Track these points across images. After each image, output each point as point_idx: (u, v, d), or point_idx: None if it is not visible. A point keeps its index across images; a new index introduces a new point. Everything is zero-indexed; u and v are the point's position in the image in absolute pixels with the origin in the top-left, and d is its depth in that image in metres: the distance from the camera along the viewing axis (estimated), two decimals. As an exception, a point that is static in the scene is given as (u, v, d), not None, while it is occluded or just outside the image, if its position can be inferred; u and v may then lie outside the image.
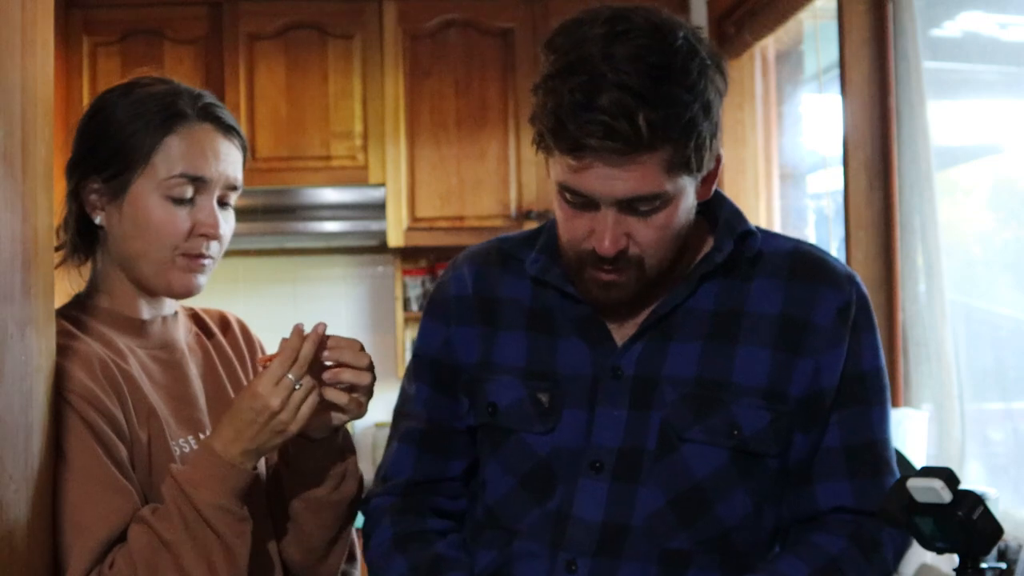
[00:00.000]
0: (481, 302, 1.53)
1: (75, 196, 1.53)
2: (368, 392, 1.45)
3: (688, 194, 1.37)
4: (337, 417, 1.47)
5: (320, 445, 1.49)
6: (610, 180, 1.31)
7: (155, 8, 4.03)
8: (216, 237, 1.51)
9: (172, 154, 1.48)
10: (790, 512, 1.47)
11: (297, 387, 1.39)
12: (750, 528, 1.43)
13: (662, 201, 1.34)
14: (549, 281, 1.48)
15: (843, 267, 1.49)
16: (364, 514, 1.58)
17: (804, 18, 3.40)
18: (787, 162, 3.76)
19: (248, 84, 4.02)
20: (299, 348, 1.40)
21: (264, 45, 4.05)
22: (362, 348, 1.45)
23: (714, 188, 1.44)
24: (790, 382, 1.42)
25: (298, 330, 1.41)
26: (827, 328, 1.43)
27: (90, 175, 1.51)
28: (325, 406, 1.44)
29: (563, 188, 1.36)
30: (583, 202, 1.36)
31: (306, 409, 1.39)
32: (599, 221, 1.35)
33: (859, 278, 1.50)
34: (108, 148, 1.49)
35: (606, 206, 1.34)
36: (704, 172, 1.38)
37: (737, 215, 1.48)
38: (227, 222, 1.53)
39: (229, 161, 1.52)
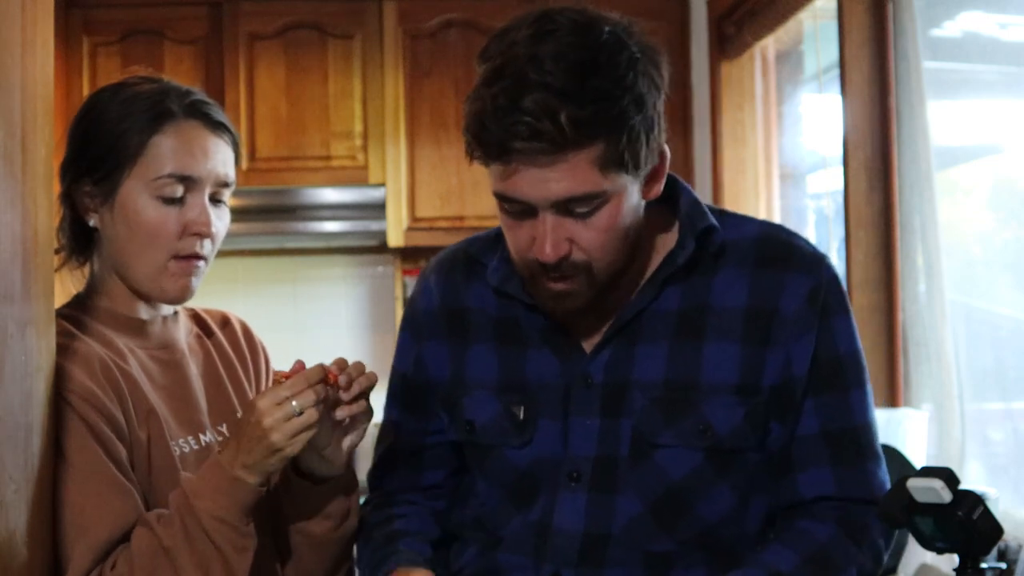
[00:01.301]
0: (448, 314, 1.52)
1: (68, 198, 1.52)
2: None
3: (630, 193, 1.34)
4: (350, 440, 1.45)
5: (325, 485, 1.48)
6: (541, 182, 1.29)
7: (155, 8, 4.03)
8: (208, 235, 1.50)
9: (160, 153, 1.47)
10: (776, 501, 1.46)
11: (297, 413, 1.36)
12: (734, 522, 1.43)
13: (600, 201, 1.31)
14: (510, 292, 1.46)
15: (812, 249, 1.46)
16: None
17: (804, 18, 3.40)
18: (787, 162, 3.76)
19: (248, 84, 4.02)
20: (314, 381, 1.37)
21: (264, 45, 4.04)
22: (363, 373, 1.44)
23: (662, 186, 1.40)
24: (762, 374, 1.40)
25: (333, 372, 1.39)
26: (795, 315, 1.40)
27: (81, 177, 1.50)
28: (340, 432, 1.44)
29: (499, 197, 1.34)
30: (520, 209, 1.33)
31: (304, 436, 1.36)
32: (539, 227, 1.32)
33: (830, 260, 1.47)
34: (97, 150, 1.49)
35: (543, 210, 1.31)
36: (646, 170, 1.34)
37: (697, 208, 1.45)
38: (221, 219, 1.52)
39: (219, 158, 1.50)
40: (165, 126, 1.48)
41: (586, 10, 1.33)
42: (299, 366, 1.41)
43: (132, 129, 1.47)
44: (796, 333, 1.41)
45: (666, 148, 1.38)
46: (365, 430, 1.47)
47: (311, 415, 1.36)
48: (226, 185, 1.53)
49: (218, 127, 1.52)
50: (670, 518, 1.40)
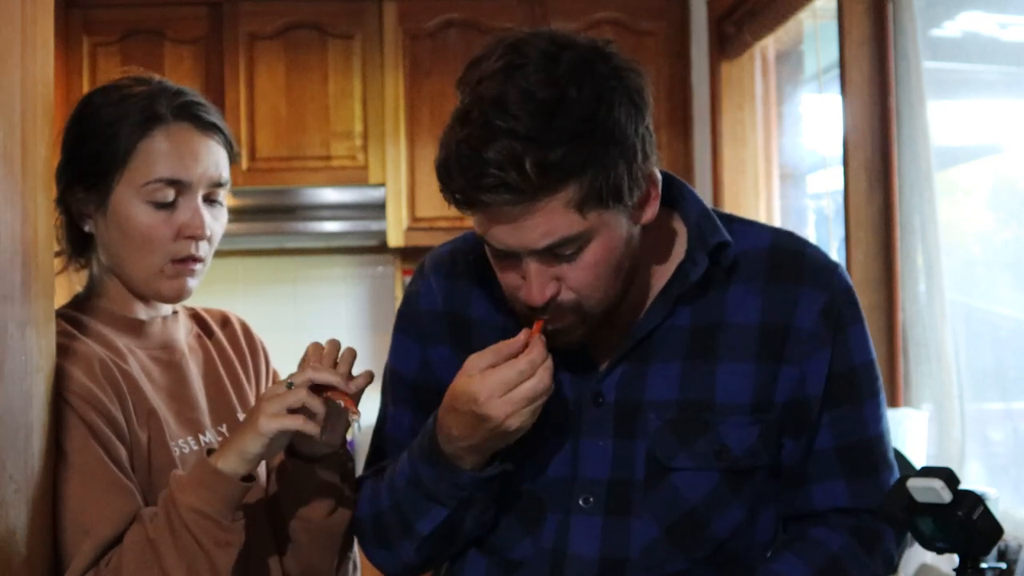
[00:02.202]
0: (453, 320, 1.48)
1: (63, 203, 1.51)
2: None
3: (618, 226, 1.28)
4: (342, 425, 1.45)
5: (319, 463, 1.47)
6: (517, 231, 1.25)
7: (155, 8, 4.03)
8: (203, 238, 1.49)
9: (150, 158, 1.46)
10: (787, 512, 1.45)
11: (287, 386, 1.37)
12: (745, 535, 1.41)
13: (584, 241, 1.26)
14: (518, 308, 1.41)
15: (824, 259, 1.43)
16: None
17: (804, 18, 3.40)
18: (787, 162, 3.76)
19: (248, 84, 4.02)
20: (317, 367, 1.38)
21: (264, 45, 4.05)
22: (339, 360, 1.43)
23: (655, 210, 1.33)
24: (775, 390, 1.38)
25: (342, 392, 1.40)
26: (810, 331, 1.38)
27: (74, 183, 1.49)
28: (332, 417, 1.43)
29: (483, 239, 1.31)
30: (504, 254, 1.29)
31: (290, 421, 1.35)
32: (525, 271, 1.29)
33: (842, 269, 1.44)
34: (88, 155, 1.48)
35: (525, 256, 1.27)
36: (633, 200, 1.28)
37: (707, 220, 1.40)
38: (217, 219, 1.52)
39: (210, 160, 1.49)
40: (154, 130, 1.46)
41: (556, 36, 1.27)
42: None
43: (121, 134, 1.46)
44: (810, 350, 1.38)
45: (656, 172, 1.32)
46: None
47: (300, 392, 1.35)
48: (220, 185, 1.51)
49: (209, 128, 1.50)
50: (686, 539, 1.38)
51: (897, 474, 1.45)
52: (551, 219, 1.24)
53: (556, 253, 1.27)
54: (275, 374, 1.73)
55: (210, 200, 1.51)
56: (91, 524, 1.38)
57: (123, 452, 1.43)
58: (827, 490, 1.42)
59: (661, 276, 1.41)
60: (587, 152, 1.22)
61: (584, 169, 1.22)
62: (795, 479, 1.43)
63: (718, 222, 1.41)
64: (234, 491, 1.37)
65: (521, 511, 1.42)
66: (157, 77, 1.54)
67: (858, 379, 1.41)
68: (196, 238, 1.48)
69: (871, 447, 1.43)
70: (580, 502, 1.39)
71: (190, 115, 1.49)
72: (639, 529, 1.37)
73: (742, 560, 1.41)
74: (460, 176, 1.23)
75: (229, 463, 1.36)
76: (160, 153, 1.46)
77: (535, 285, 1.28)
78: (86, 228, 1.51)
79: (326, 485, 1.48)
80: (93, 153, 1.47)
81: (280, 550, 1.54)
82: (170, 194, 1.47)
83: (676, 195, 1.43)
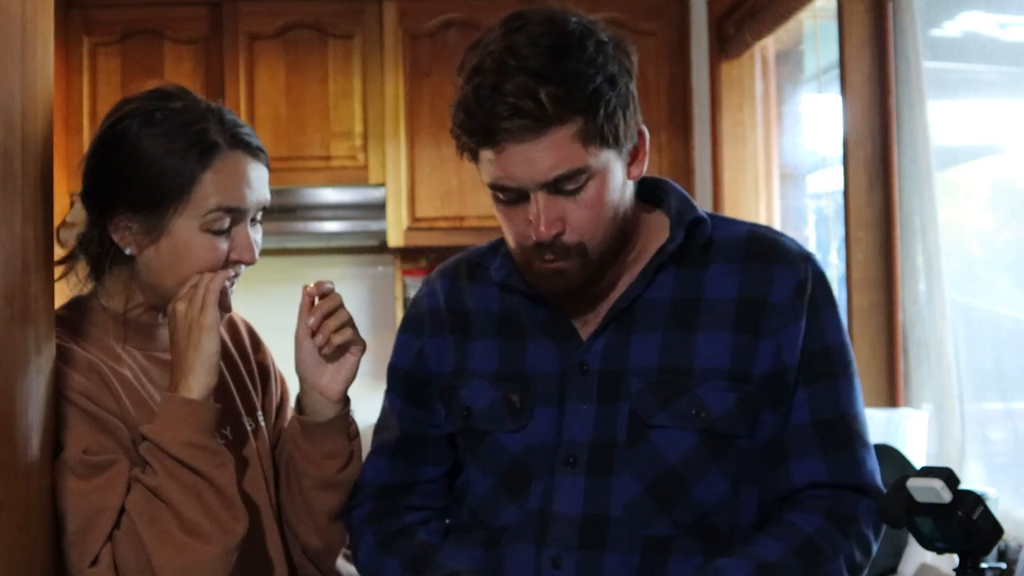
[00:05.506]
0: (453, 314, 1.57)
1: (99, 224, 1.51)
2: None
3: (615, 170, 1.41)
4: (345, 374, 1.55)
5: (327, 423, 1.55)
6: (529, 163, 1.36)
7: (155, 8, 4.03)
8: (252, 262, 1.53)
9: (209, 188, 1.48)
10: (768, 491, 1.48)
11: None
12: (729, 509, 1.45)
13: (587, 176, 1.38)
14: (513, 285, 1.51)
15: (798, 247, 1.52)
16: (347, 525, 1.61)
17: (804, 18, 3.40)
18: (787, 162, 3.76)
19: (248, 84, 4.02)
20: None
21: (264, 45, 4.05)
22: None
23: (645, 166, 1.46)
24: (753, 363, 1.45)
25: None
26: (784, 306, 1.46)
27: (121, 210, 1.49)
28: (332, 364, 1.53)
29: (493, 187, 1.41)
30: (514, 196, 1.40)
31: (211, 298, 1.45)
32: (532, 209, 1.39)
33: (816, 257, 1.52)
34: (141, 185, 1.47)
35: (534, 191, 1.38)
36: (627, 146, 1.42)
37: (686, 203, 1.51)
38: (257, 237, 1.55)
39: (261, 184, 1.53)
40: (213, 160, 1.48)
41: (552, 7, 1.42)
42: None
43: (180, 167, 1.46)
44: (785, 323, 1.45)
45: (644, 128, 1.45)
46: (358, 363, 1.57)
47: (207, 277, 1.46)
48: (265, 207, 1.55)
49: (258, 152, 1.53)
50: (667, 500, 1.43)
51: (874, 454, 1.49)
52: (559, 150, 1.36)
53: (561, 188, 1.38)
54: (282, 378, 1.74)
55: (252, 220, 1.54)
56: (102, 502, 1.40)
57: (127, 433, 1.45)
58: (805, 465, 1.46)
59: (645, 259, 1.50)
60: (591, 92, 1.36)
61: (588, 106, 1.36)
62: (774, 457, 1.47)
63: (695, 205, 1.51)
64: (211, 414, 1.43)
65: (508, 481, 1.48)
66: (193, 95, 1.54)
67: (832, 359, 1.48)
68: (245, 262, 1.52)
69: (847, 422, 1.47)
70: (564, 463, 1.45)
71: (242, 142, 1.51)
72: (620, 487, 1.43)
73: (727, 538, 1.45)
74: (479, 110, 1.36)
75: (198, 384, 1.43)
76: (219, 182, 1.48)
77: (543, 219, 1.39)
78: (128, 251, 1.51)
79: (335, 444, 1.56)
80: (148, 184, 1.47)
81: (295, 531, 1.60)
82: (227, 222, 1.49)
83: (659, 192, 1.53)
